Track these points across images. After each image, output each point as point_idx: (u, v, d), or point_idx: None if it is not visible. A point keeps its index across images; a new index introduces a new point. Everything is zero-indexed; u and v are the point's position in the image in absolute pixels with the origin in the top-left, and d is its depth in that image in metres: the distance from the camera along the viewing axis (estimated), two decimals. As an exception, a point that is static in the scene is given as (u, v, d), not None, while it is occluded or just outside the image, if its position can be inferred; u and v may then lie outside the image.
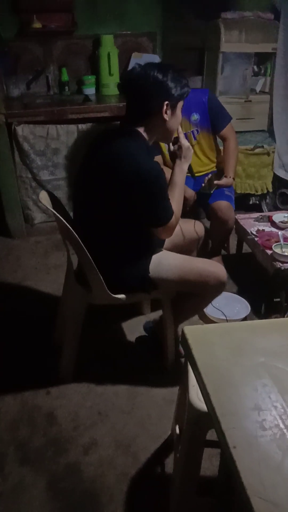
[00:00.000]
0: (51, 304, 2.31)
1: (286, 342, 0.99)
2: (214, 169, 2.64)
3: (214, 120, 2.49)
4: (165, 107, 1.57)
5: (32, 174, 3.02)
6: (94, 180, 1.60)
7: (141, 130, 1.60)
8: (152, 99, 1.56)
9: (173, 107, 1.60)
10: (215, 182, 2.37)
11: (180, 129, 1.72)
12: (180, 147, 1.71)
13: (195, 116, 2.45)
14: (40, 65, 3.22)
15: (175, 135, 1.71)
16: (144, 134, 1.60)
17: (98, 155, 1.61)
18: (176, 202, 1.68)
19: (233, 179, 2.48)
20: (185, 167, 1.74)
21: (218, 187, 2.40)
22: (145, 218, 1.60)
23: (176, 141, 1.72)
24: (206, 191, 2.40)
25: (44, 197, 1.73)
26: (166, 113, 1.58)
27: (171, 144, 1.74)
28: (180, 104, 1.64)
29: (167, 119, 1.59)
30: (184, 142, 1.71)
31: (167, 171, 2.40)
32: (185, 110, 2.37)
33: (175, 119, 1.64)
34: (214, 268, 1.75)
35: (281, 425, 0.78)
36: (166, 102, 1.56)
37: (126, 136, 1.59)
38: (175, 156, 1.74)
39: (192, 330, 1.02)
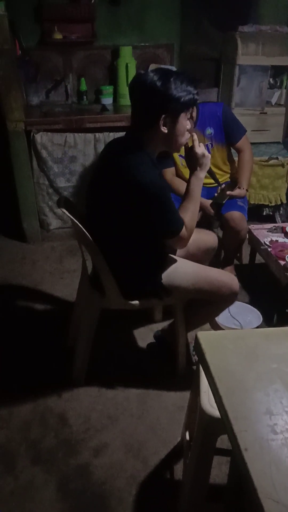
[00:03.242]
0: (65, 308, 2.35)
1: (299, 350, 1.01)
2: (228, 179, 2.66)
3: (229, 133, 2.50)
4: (162, 120, 1.49)
5: (49, 181, 3.08)
6: (102, 190, 1.61)
7: (144, 139, 1.54)
8: (148, 109, 1.50)
9: (173, 118, 1.51)
10: (228, 192, 2.39)
11: (195, 136, 1.66)
12: (196, 155, 1.65)
13: (210, 130, 2.47)
14: (60, 75, 3.30)
15: (189, 143, 1.65)
16: (147, 144, 1.55)
17: (105, 165, 1.61)
18: (190, 213, 1.65)
19: (246, 190, 2.50)
20: (202, 176, 1.68)
21: (231, 198, 2.42)
22: (152, 231, 1.60)
23: (191, 149, 1.66)
24: (218, 201, 2.42)
25: (62, 202, 1.77)
26: (164, 125, 1.51)
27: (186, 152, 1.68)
28: (185, 114, 1.53)
29: (166, 131, 1.52)
30: (198, 150, 1.64)
31: (181, 183, 2.44)
32: (200, 123, 2.41)
33: (178, 130, 1.54)
34: (227, 278, 1.77)
35: (293, 430, 0.79)
36: (163, 115, 1.48)
37: (128, 147, 1.55)
38: (192, 164, 1.68)
39: (205, 335, 1.04)
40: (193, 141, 1.66)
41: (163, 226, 1.60)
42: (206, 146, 2.51)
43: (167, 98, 1.46)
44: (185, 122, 1.55)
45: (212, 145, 2.50)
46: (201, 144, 1.67)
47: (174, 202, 1.61)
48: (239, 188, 2.45)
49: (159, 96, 1.46)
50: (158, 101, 1.47)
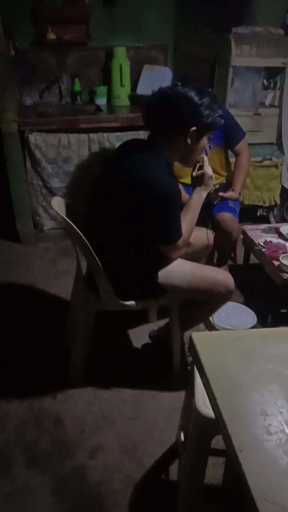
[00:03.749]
0: (59, 309, 2.35)
1: (294, 350, 1.01)
2: (223, 180, 2.67)
3: (228, 136, 2.51)
4: (191, 131, 1.55)
5: (43, 182, 3.08)
6: (112, 190, 1.62)
7: (163, 147, 1.60)
8: (180, 120, 1.55)
9: (199, 135, 1.58)
10: (220, 193, 2.38)
11: (205, 157, 1.73)
12: (203, 174, 1.72)
13: None
14: (54, 75, 3.29)
15: (199, 162, 1.72)
16: (166, 152, 1.60)
17: (119, 165, 1.63)
18: (187, 225, 1.68)
19: (239, 194, 2.50)
20: (204, 195, 1.75)
21: (223, 199, 2.41)
22: (153, 234, 1.62)
23: (200, 167, 1.73)
24: (210, 200, 2.41)
25: (56, 203, 1.77)
26: (190, 137, 1.57)
27: (196, 169, 1.75)
28: (208, 133, 1.62)
29: (190, 143, 1.58)
30: (208, 170, 1.72)
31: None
32: None
33: (199, 146, 1.62)
34: (223, 276, 1.78)
35: (287, 431, 0.79)
36: (194, 128, 1.55)
37: (148, 151, 1.60)
38: (196, 182, 1.75)
39: (200, 336, 1.04)
40: (203, 161, 1.73)
41: (165, 231, 1.62)
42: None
43: (202, 114, 1.54)
44: (206, 141, 1.65)
45: (210, 148, 2.50)
46: (209, 167, 1.74)
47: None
48: (233, 190, 2.45)
49: (196, 109, 1.53)
50: (194, 114, 1.54)
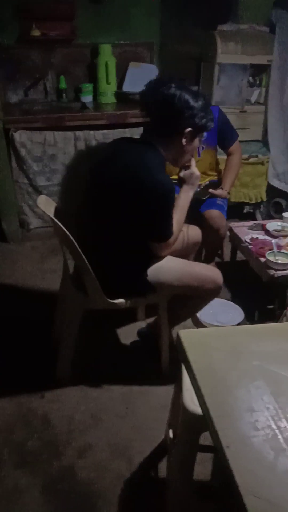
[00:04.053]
0: (47, 308, 2.33)
1: (281, 346, 1.02)
2: (214, 178, 2.67)
3: (223, 138, 2.52)
4: (186, 133, 1.60)
5: (28, 180, 3.05)
6: (106, 185, 1.62)
7: (159, 146, 1.63)
8: (177, 121, 1.59)
9: (193, 136, 1.63)
10: (210, 190, 2.40)
11: (192, 158, 1.76)
12: (191, 174, 1.76)
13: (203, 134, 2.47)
14: (39, 72, 3.26)
15: (188, 163, 1.76)
16: (161, 151, 1.63)
17: (115, 165, 1.63)
18: (176, 223, 1.71)
19: (228, 193, 2.51)
20: (191, 194, 1.79)
21: (212, 197, 2.42)
22: (147, 231, 1.64)
23: (187, 167, 1.77)
24: (199, 196, 2.42)
25: (42, 202, 1.76)
26: (185, 138, 1.62)
27: (183, 170, 1.79)
28: (200, 136, 1.68)
29: (184, 144, 1.63)
30: (195, 170, 1.77)
31: None
32: None
33: (191, 147, 1.67)
34: (212, 272, 1.80)
35: (273, 426, 0.80)
36: (189, 129, 1.60)
37: (145, 148, 1.62)
38: (183, 181, 1.79)
39: (187, 334, 1.04)
40: (190, 161, 1.77)
41: (160, 228, 1.64)
42: (198, 149, 2.51)
43: (196, 115, 1.59)
44: (197, 143, 1.69)
45: (203, 148, 2.51)
46: (196, 167, 1.79)
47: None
48: (222, 189, 2.46)
49: (192, 112, 1.58)
50: (189, 115, 1.58)
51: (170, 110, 1.58)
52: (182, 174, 1.79)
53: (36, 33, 3.04)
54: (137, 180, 1.54)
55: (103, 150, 1.77)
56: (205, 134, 2.11)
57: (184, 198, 1.78)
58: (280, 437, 0.78)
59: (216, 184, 2.51)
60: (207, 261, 2.67)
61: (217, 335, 1.08)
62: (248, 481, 0.71)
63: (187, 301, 1.85)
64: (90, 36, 3.25)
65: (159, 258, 1.75)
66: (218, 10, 3.25)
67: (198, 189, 2.43)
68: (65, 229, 1.61)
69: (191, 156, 1.74)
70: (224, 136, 2.53)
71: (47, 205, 1.78)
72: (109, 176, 1.62)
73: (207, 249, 2.67)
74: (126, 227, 1.62)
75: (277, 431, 0.79)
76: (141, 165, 1.56)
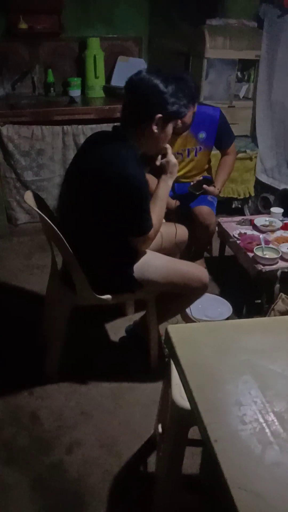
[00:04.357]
0: (35, 305, 2.31)
1: (268, 340, 1.03)
2: (207, 174, 2.68)
3: (221, 139, 2.53)
4: (156, 119, 1.54)
5: (16, 175, 3.02)
6: (81, 182, 1.61)
7: (131, 136, 1.58)
8: (145, 107, 1.54)
9: (165, 122, 1.57)
10: (204, 186, 2.39)
11: (168, 145, 1.70)
12: (167, 162, 1.70)
13: (202, 135, 2.47)
14: (26, 66, 3.22)
15: (164, 151, 1.70)
16: (134, 140, 1.58)
17: (87, 158, 1.62)
18: (156, 215, 1.67)
19: (219, 191, 2.51)
20: (170, 183, 1.74)
21: (204, 193, 2.42)
22: (124, 226, 1.60)
23: (164, 156, 1.71)
24: (193, 191, 2.41)
25: (29, 197, 1.74)
26: (156, 125, 1.55)
27: (159, 158, 1.72)
28: (173, 122, 1.61)
29: (156, 131, 1.56)
30: (171, 158, 1.70)
31: (152, 180, 2.43)
32: (195, 126, 2.41)
33: (164, 134, 1.61)
34: (198, 271, 1.79)
35: (261, 420, 0.81)
36: (159, 115, 1.53)
37: (116, 142, 1.58)
38: (161, 170, 1.73)
39: (175, 329, 1.04)
40: (166, 149, 1.70)
41: (136, 222, 1.61)
42: (195, 149, 2.50)
43: (166, 101, 1.53)
44: (171, 130, 1.63)
45: (201, 149, 2.50)
46: (172, 155, 1.72)
47: None
48: (214, 186, 2.46)
49: (161, 97, 1.52)
50: (158, 101, 1.52)
51: (137, 96, 1.54)
52: (158, 162, 1.72)
53: (23, 26, 3.00)
54: (108, 176, 1.51)
55: (81, 146, 1.73)
56: (179, 122, 2.11)
57: (162, 188, 1.72)
58: (267, 430, 0.79)
59: (210, 181, 2.49)
60: (196, 256, 2.68)
61: (206, 330, 1.08)
62: (236, 475, 0.71)
63: (174, 298, 1.85)
64: (78, 29, 3.22)
65: (140, 252, 1.73)
66: (206, 5, 3.25)
67: (192, 183, 2.43)
68: (52, 225, 1.60)
69: (164, 143, 1.67)
70: (222, 138, 2.53)
71: (34, 200, 1.76)
72: (82, 173, 1.60)
73: (196, 245, 2.68)
74: (104, 223, 1.60)
75: (264, 424, 0.80)
76: (111, 160, 1.53)
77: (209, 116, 2.45)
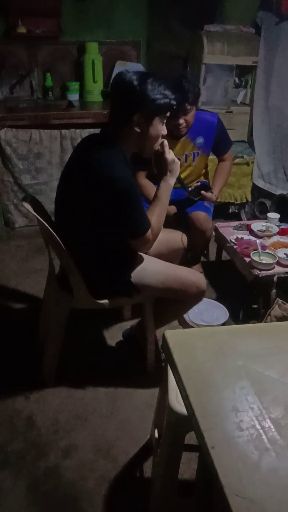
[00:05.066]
0: (32, 308, 2.31)
1: (265, 346, 1.03)
2: (204, 180, 2.68)
3: (219, 145, 2.53)
4: (136, 118, 1.49)
5: (14, 178, 3.02)
6: (72, 187, 1.60)
7: (117, 137, 1.55)
8: (122, 107, 1.51)
9: (147, 119, 1.51)
10: (202, 192, 2.39)
11: (165, 142, 1.65)
12: (165, 160, 1.65)
13: (200, 140, 2.47)
14: (24, 69, 3.23)
15: (159, 149, 1.64)
16: (121, 142, 1.55)
17: (76, 163, 1.60)
18: (156, 217, 1.64)
19: (217, 198, 2.51)
20: (172, 182, 1.69)
21: (202, 199, 2.41)
22: (118, 229, 1.59)
23: (161, 155, 1.65)
24: (191, 196, 2.41)
25: (27, 200, 1.74)
26: (137, 124, 1.51)
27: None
28: (160, 118, 1.54)
29: (138, 130, 1.52)
30: (168, 156, 1.65)
31: (152, 188, 2.43)
32: (192, 132, 2.41)
33: (152, 132, 1.55)
34: (195, 277, 1.79)
35: (257, 426, 0.81)
36: (138, 114, 1.49)
37: (103, 145, 1.55)
38: (161, 171, 1.68)
39: (172, 334, 1.05)
40: (163, 146, 1.65)
41: (130, 225, 1.59)
42: (193, 154, 2.50)
43: (141, 97, 1.47)
44: (159, 127, 1.56)
45: (198, 154, 2.51)
46: (171, 151, 1.68)
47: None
48: (212, 192, 2.46)
49: (135, 94, 1.47)
50: (133, 99, 1.48)
51: (115, 96, 1.52)
52: (156, 162, 1.67)
53: (22, 29, 3.01)
54: (95, 180, 1.49)
55: (74, 150, 1.71)
56: (181, 121, 2.07)
57: (163, 188, 1.67)
58: (264, 437, 0.79)
59: (208, 187, 2.49)
60: (193, 261, 2.68)
61: (202, 335, 1.08)
62: (232, 481, 0.72)
63: (172, 303, 1.85)
64: (77, 33, 3.24)
65: (140, 257, 1.72)
66: (204, 10, 3.27)
67: (190, 189, 2.44)
68: (50, 228, 1.60)
69: (156, 141, 1.59)
70: (219, 144, 2.53)
71: (32, 204, 1.76)
72: (73, 178, 1.59)
73: (193, 250, 2.68)
74: (97, 227, 1.58)
75: (261, 431, 0.80)
76: (97, 165, 1.50)
77: (207, 121, 2.46)
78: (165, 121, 1.58)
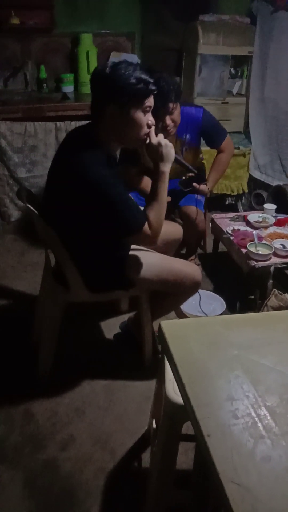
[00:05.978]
0: (29, 302, 2.30)
1: (259, 336, 1.03)
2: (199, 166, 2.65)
3: (210, 138, 2.48)
4: (110, 109, 1.43)
5: (9, 171, 3.00)
6: (58, 186, 1.55)
7: (99, 132, 1.49)
8: (97, 99, 1.46)
9: (123, 109, 1.42)
10: (194, 184, 2.34)
11: (152, 128, 1.54)
12: (154, 146, 1.53)
13: (186, 136, 2.42)
14: (18, 62, 3.20)
15: (146, 139, 1.54)
16: (102, 137, 1.49)
17: (60, 161, 1.55)
18: (154, 211, 1.57)
19: (209, 190, 2.45)
20: (166, 169, 1.57)
21: (193, 192, 2.33)
22: (108, 228, 1.54)
23: (148, 144, 1.55)
24: (182, 187, 2.35)
25: (22, 193, 1.72)
26: (113, 117, 1.44)
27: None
28: (139, 105, 1.44)
29: (119, 121, 1.44)
30: (153, 140, 1.53)
31: (148, 181, 2.38)
32: (178, 129, 2.33)
33: (131, 122, 1.45)
34: (190, 269, 1.79)
35: (253, 414, 0.81)
36: (112, 106, 1.42)
37: (83, 143, 1.48)
38: (155, 158, 1.57)
39: (169, 325, 1.04)
40: (149, 134, 1.54)
41: (120, 224, 1.53)
42: (182, 151, 2.45)
43: (114, 86, 1.38)
44: (139, 115, 1.46)
45: (186, 149, 2.47)
46: (160, 134, 1.57)
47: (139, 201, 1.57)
48: (205, 184, 2.42)
49: (107, 83, 1.39)
50: (105, 89, 1.41)
51: (92, 89, 1.47)
52: (147, 152, 1.57)
53: (15, 21, 2.98)
54: (75, 184, 1.43)
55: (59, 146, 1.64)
56: (167, 120, 2.03)
57: (158, 177, 1.57)
58: (259, 424, 0.79)
59: (202, 178, 2.43)
60: (189, 254, 2.68)
61: (198, 326, 1.08)
62: (228, 469, 0.72)
63: (168, 296, 1.84)
64: (71, 25, 3.21)
65: (148, 246, 1.69)
66: (199, 1, 3.24)
67: (183, 178, 2.39)
68: (45, 222, 1.59)
69: (140, 131, 1.49)
70: (210, 137, 2.47)
71: (27, 197, 1.75)
72: (56, 177, 1.56)
73: (187, 242, 2.67)
74: (87, 226, 1.55)
75: (256, 419, 0.80)
76: (75, 167, 1.43)
77: (192, 117, 2.37)
78: (148, 108, 1.48)
